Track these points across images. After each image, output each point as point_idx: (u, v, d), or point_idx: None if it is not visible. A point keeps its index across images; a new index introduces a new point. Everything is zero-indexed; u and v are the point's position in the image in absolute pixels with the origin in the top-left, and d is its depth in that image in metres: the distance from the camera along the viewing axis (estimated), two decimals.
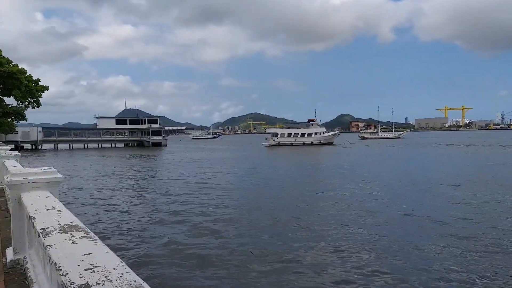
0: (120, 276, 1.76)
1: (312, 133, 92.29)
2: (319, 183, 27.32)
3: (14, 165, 7.93)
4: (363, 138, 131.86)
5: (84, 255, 2.10)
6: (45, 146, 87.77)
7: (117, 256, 2.08)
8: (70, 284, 1.72)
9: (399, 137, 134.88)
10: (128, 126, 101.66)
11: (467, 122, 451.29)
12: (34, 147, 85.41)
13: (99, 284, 1.69)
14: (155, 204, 19.82)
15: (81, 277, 1.78)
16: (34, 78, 66.07)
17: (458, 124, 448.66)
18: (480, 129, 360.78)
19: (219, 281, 9.73)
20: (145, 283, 1.71)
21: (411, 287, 9.23)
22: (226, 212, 17.44)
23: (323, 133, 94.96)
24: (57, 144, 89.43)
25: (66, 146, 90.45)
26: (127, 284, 1.67)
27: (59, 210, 3.44)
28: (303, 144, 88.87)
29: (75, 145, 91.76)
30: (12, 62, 62.69)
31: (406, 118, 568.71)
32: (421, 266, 10.47)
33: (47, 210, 3.50)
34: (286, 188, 24.97)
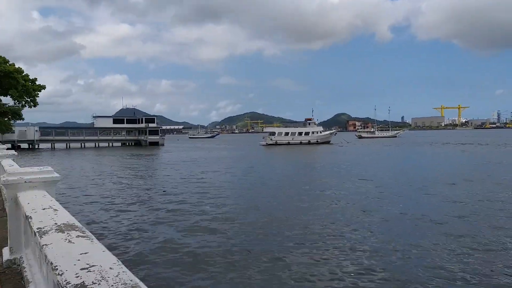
0: (117, 276, 1.77)
1: (309, 132, 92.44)
2: (316, 182, 27.35)
3: (10, 165, 7.90)
4: (360, 137, 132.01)
5: (81, 254, 2.10)
6: (42, 145, 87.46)
7: (114, 255, 2.09)
8: (66, 284, 1.73)
9: (395, 136, 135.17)
10: (125, 125, 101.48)
11: (464, 121, 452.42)
12: (31, 147, 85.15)
13: (95, 283, 1.70)
14: (152, 203, 19.80)
15: (77, 277, 1.78)
16: (31, 77, 65.79)
17: (454, 123, 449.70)
18: (476, 128, 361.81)
19: (216, 281, 9.74)
20: (141, 282, 1.72)
21: (408, 285, 9.27)
22: (223, 211, 17.44)
23: (320, 132, 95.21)
24: (54, 143, 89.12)
25: (63, 145, 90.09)
26: (123, 284, 1.68)
27: (55, 210, 3.44)
28: (300, 143, 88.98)
29: (72, 145, 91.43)
30: (8, 61, 62.42)
31: (403, 117, 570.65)
32: (418, 264, 10.51)
33: (44, 209, 3.49)
34: (283, 187, 24.99)
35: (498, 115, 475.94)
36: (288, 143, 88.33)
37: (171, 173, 34.50)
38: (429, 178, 27.84)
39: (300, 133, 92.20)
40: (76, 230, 2.64)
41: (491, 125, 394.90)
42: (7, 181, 4.54)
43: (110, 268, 1.87)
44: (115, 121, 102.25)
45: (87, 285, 1.69)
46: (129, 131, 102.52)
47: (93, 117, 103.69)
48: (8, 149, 13.15)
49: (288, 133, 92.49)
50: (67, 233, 2.57)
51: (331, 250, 11.83)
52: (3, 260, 4.58)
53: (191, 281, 9.71)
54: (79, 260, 2.01)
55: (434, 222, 14.96)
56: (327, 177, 30.31)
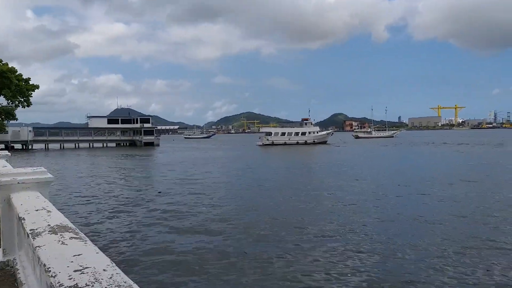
0: (110, 278, 1.74)
1: (305, 132, 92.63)
2: (312, 183, 27.39)
3: (3, 165, 7.83)
4: (357, 137, 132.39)
5: (74, 256, 2.07)
6: (35, 146, 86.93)
7: (107, 257, 2.06)
8: (59, 286, 1.70)
9: (392, 136, 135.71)
10: (120, 125, 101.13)
11: (460, 121, 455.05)
12: (24, 147, 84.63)
13: (88, 285, 1.67)
14: (147, 204, 19.73)
15: (70, 279, 1.76)
16: (24, 76, 65.58)
17: (451, 123, 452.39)
18: (472, 128, 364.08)
19: (212, 283, 9.70)
20: (135, 284, 1.69)
21: (404, 285, 9.29)
22: (218, 213, 17.42)
23: (317, 133, 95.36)
24: (47, 144, 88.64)
25: (57, 146, 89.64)
26: (117, 286, 1.65)
27: (49, 211, 3.40)
28: (297, 143, 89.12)
29: (66, 145, 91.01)
30: (2, 60, 62.14)
31: (399, 117, 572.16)
32: (414, 264, 10.54)
33: (37, 210, 3.45)
34: (279, 188, 25.00)
35: (495, 115, 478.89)
36: (285, 143, 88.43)
37: (166, 174, 34.42)
38: (426, 178, 27.97)
39: (296, 133, 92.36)
40: (69, 232, 2.61)
41: (487, 125, 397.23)
42: (0, 182, 4.49)
43: (104, 270, 1.84)
44: (109, 121, 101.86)
45: (80, 287, 1.66)
46: (123, 131, 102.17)
47: (87, 117, 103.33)
48: (1, 149, 13.06)
49: (285, 133, 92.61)
50: (60, 235, 2.54)
51: (327, 250, 11.83)
52: None
53: (186, 283, 9.67)
54: (72, 262, 1.98)
55: (430, 222, 15.03)
56: (323, 177, 30.36)
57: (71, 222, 2.94)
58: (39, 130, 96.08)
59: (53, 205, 3.75)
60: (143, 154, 66.83)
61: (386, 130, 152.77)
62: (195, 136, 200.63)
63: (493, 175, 29.30)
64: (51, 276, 1.84)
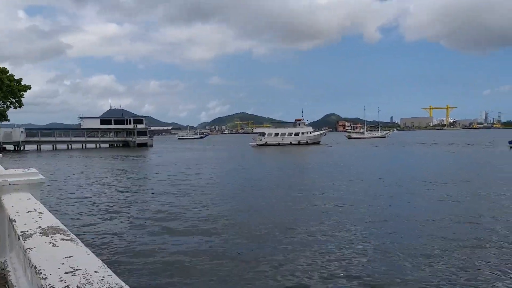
0: (101, 279, 1.74)
1: (299, 132, 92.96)
2: (305, 183, 27.45)
3: None
4: (350, 137, 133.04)
5: (65, 258, 2.07)
6: (27, 147, 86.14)
7: (99, 259, 2.06)
8: None
9: (384, 137, 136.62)
10: (113, 126, 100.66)
11: (452, 121, 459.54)
12: (16, 148, 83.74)
13: (79, 287, 1.67)
14: (141, 205, 19.64)
15: (61, 281, 1.75)
16: (16, 77, 65.00)
17: (442, 123, 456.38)
18: (464, 128, 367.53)
19: (205, 283, 9.69)
20: (126, 286, 1.69)
21: (394, 285, 9.34)
22: (212, 213, 17.39)
23: (310, 133, 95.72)
24: (40, 145, 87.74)
25: (50, 147, 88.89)
26: (108, 287, 1.65)
27: (40, 212, 3.39)
28: (290, 143, 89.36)
29: (59, 146, 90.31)
30: None
31: (392, 118, 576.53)
32: (406, 264, 10.61)
33: (28, 212, 3.44)
34: (272, 188, 25.03)
35: (486, 115, 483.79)
36: (278, 144, 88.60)
37: (159, 174, 34.31)
38: (417, 178, 28.14)
39: (290, 134, 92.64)
40: (60, 233, 2.60)
41: (478, 125, 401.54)
42: None
43: (95, 271, 1.84)
44: (102, 122, 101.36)
45: None
46: (117, 132, 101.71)
47: (80, 118, 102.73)
48: None
49: (278, 133, 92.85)
50: (52, 237, 2.52)
51: (318, 250, 11.87)
52: None
53: (178, 284, 9.65)
54: (63, 263, 1.98)
55: (420, 222, 15.14)
56: (315, 177, 30.44)
57: (63, 224, 2.93)
58: (31, 131, 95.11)
59: (45, 206, 3.73)
60: (136, 155, 66.52)
61: (378, 130, 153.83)
62: (188, 137, 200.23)
63: (483, 175, 29.58)
64: (42, 278, 1.83)
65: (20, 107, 67.19)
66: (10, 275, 3.85)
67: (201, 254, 11.63)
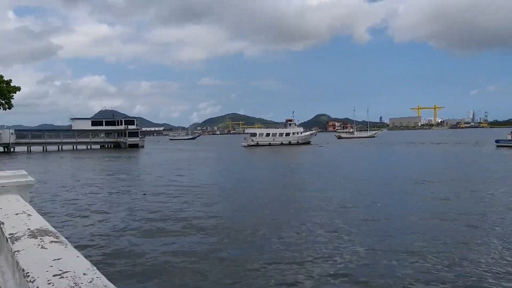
0: (90, 281, 1.74)
1: (290, 133, 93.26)
2: (296, 183, 27.52)
3: None
4: (339, 137, 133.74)
5: (54, 260, 2.06)
6: (17, 148, 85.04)
7: (88, 261, 2.06)
8: None
9: (374, 136, 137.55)
10: (104, 127, 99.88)
11: (439, 121, 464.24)
12: (6, 150, 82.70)
13: None
14: (132, 207, 19.50)
15: (49, 283, 1.75)
16: (6, 78, 64.22)
17: (430, 123, 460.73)
18: (451, 128, 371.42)
19: (196, 284, 9.67)
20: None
21: (387, 285, 9.42)
22: (203, 214, 17.33)
23: (301, 133, 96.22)
24: (30, 146, 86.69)
25: (40, 148, 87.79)
26: None
27: (29, 215, 3.37)
28: (281, 144, 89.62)
29: (49, 148, 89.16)
30: None
31: (381, 118, 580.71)
32: (396, 265, 10.69)
33: (17, 214, 3.41)
34: (264, 189, 25.05)
35: (473, 115, 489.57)
36: (269, 144, 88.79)
37: (151, 175, 34.13)
38: (405, 177, 28.31)
39: (281, 134, 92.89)
40: (49, 236, 2.59)
41: (465, 125, 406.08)
42: None
43: (84, 274, 1.83)
44: (93, 123, 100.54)
45: None
46: (108, 133, 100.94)
47: (70, 119, 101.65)
48: None
49: (269, 134, 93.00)
50: (40, 239, 2.51)
51: (310, 248, 11.91)
52: None
53: (169, 285, 9.62)
54: (51, 266, 1.97)
55: (409, 221, 15.27)
56: (306, 177, 30.52)
57: (52, 226, 2.92)
58: (21, 132, 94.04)
59: (34, 208, 3.71)
60: (127, 156, 66.07)
61: (368, 130, 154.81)
62: (180, 138, 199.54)
63: (470, 174, 29.91)
64: (30, 281, 1.83)
65: (9, 108, 66.42)
66: None
67: (193, 255, 11.60)
